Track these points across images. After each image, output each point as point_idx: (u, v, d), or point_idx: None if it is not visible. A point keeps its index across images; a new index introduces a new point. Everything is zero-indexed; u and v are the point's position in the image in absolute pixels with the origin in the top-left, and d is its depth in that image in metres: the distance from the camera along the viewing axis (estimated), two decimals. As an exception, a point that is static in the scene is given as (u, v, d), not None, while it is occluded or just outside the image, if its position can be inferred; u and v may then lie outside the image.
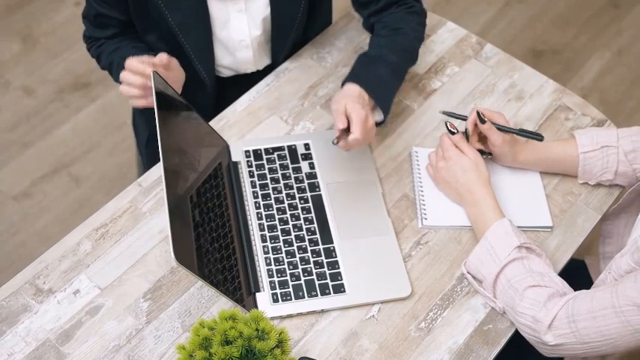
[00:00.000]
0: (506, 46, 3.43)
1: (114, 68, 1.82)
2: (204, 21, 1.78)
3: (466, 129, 1.75)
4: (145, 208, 1.72)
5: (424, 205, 1.75)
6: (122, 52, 1.81)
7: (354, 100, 1.66)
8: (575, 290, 1.56)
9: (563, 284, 1.56)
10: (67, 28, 3.44)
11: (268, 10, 1.82)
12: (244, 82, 1.97)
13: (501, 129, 1.72)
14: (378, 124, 1.78)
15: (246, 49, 1.87)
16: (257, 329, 1.37)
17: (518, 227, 1.71)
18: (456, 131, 1.74)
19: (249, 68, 1.94)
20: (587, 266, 1.95)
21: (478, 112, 1.71)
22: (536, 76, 2.00)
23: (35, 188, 2.97)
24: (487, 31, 3.54)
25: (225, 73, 1.96)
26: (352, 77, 1.75)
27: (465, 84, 1.97)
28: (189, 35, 1.80)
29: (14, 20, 3.45)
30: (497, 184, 1.76)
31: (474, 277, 1.64)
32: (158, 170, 1.77)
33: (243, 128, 1.86)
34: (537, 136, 1.74)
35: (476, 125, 1.74)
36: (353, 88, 1.72)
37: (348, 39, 2.03)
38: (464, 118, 1.77)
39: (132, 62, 1.61)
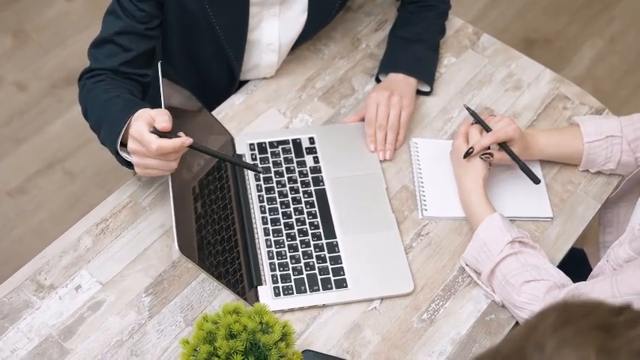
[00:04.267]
0: (498, 35, 3.40)
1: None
2: (243, 24, 1.77)
3: (476, 119, 1.74)
4: (144, 202, 1.71)
5: (424, 196, 1.75)
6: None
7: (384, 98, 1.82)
8: (574, 279, 1.56)
9: (560, 275, 1.55)
10: (59, 23, 3.41)
11: (304, 16, 1.82)
12: None
13: (508, 154, 1.69)
14: (426, 93, 1.94)
15: (272, 53, 1.86)
16: (261, 322, 1.37)
17: (519, 218, 1.72)
18: (473, 122, 1.73)
19: (269, 73, 1.93)
20: (586, 255, 1.96)
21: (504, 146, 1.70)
22: (533, 65, 2.00)
23: (30, 184, 2.96)
24: (478, 20, 3.54)
25: (244, 77, 1.94)
26: (392, 66, 1.91)
27: (462, 74, 1.97)
28: (230, 39, 1.79)
29: (5, 16, 3.43)
30: (497, 175, 1.76)
31: (474, 270, 1.64)
32: (157, 164, 1.77)
33: (242, 121, 1.85)
34: (534, 180, 1.70)
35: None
36: (396, 78, 1.88)
37: (344, 30, 2.03)
38: (483, 125, 1.72)
39: (165, 144, 1.44)
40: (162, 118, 1.46)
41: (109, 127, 1.56)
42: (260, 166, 1.76)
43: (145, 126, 1.45)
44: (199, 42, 1.81)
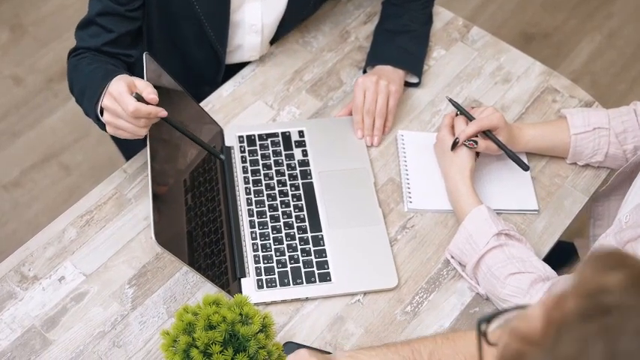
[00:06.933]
0: (496, 30, 3.42)
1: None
2: (225, 5, 1.76)
3: (460, 110, 1.73)
4: (130, 194, 1.71)
5: (410, 188, 1.75)
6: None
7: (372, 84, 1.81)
8: (564, 273, 1.55)
9: (545, 268, 1.55)
10: (55, 17, 3.41)
11: None
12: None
13: (495, 142, 1.69)
14: (414, 85, 1.93)
15: (256, 35, 1.86)
16: (241, 314, 1.37)
17: (505, 210, 1.71)
18: (457, 113, 1.73)
19: (254, 56, 1.92)
20: (577, 249, 1.95)
21: (487, 134, 1.69)
22: (523, 58, 1.99)
23: (25, 177, 2.97)
24: (477, 15, 3.53)
25: (229, 59, 1.93)
26: (379, 58, 1.89)
27: (451, 67, 1.97)
28: (212, 20, 1.78)
29: (2, 10, 3.44)
30: (483, 168, 1.75)
31: (459, 262, 1.64)
32: (144, 156, 1.76)
33: (229, 113, 1.85)
34: (523, 167, 1.70)
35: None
36: (384, 68, 1.86)
37: (333, 23, 2.03)
38: (467, 115, 1.72)
39: (142, 108, 1.48)
40: (151, 89, 1.50)
41: (90, 95, 1.58)
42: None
43: (125, 86, 1.49)
44: (181, 24, 1.81)
